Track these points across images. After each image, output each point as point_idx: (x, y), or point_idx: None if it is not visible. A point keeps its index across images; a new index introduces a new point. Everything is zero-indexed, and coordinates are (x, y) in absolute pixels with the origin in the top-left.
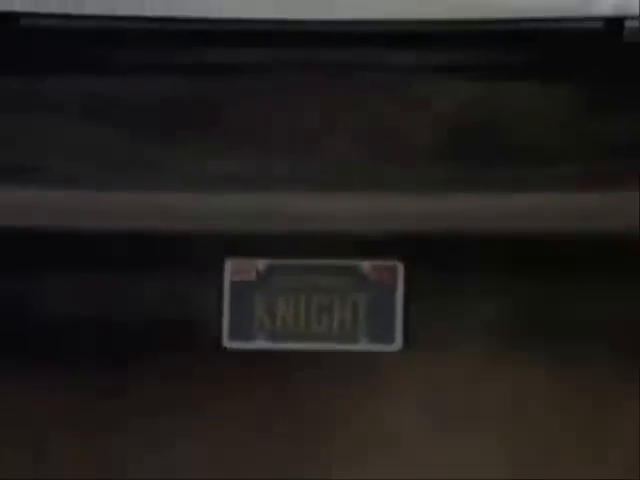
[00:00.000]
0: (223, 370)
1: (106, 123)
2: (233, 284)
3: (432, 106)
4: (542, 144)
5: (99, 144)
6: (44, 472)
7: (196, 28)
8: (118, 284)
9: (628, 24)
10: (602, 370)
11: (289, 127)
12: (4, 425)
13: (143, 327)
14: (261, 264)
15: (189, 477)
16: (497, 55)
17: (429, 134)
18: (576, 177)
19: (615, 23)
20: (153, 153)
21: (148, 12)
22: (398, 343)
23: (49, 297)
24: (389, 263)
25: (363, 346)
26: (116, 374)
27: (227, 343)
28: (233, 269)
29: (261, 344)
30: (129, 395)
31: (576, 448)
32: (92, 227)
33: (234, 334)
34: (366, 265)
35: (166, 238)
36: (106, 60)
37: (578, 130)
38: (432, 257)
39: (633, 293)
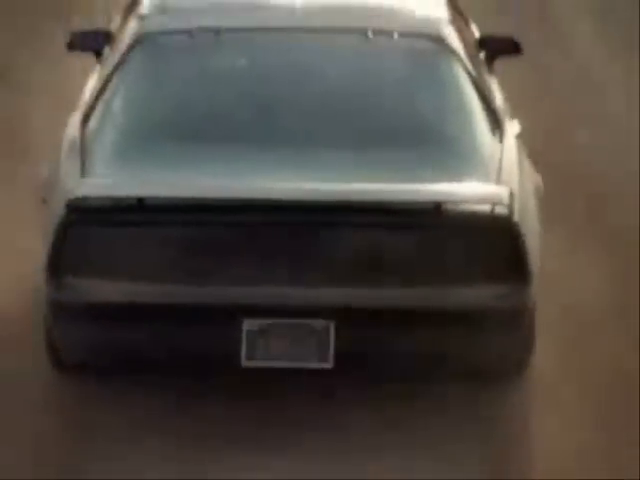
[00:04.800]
0: (243, 377)
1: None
2: (248, 332)
3: (340, 244)
4: (399, 265)
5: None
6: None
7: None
8: (186, 334)
9: (446, 207)
10: None
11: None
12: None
13: (202, 356)
14: (262, 322)
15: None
16: (376, 218)
17: (344, 260)
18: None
19: (439, 206)
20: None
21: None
22: (331, 362)
23: (151, 342)
24: (326, 322)
25: (312, 364)
26: (186, 383)
27: (244, 363)
28: (248, 325)
29: (262, 363)
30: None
31: None
32: (177, 302)
33: (249, 359)
34: (316, 322)
35: (215, 309)
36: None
37: (420, 258)
38: (350, 319)
39: None
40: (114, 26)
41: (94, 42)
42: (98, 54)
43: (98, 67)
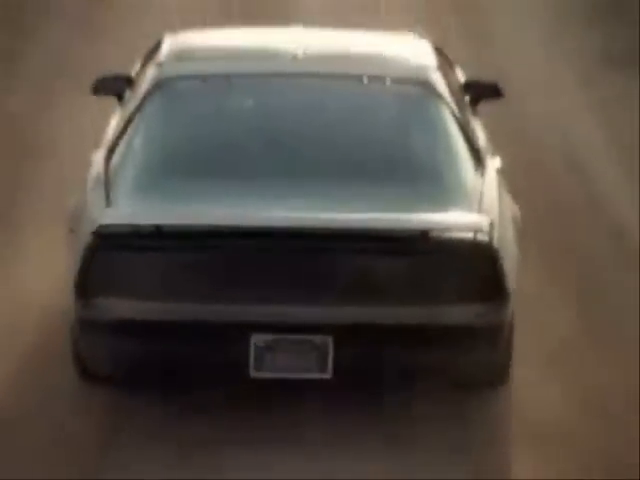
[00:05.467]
0: (251, 387)
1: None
2: (256, 346)
3: (338, 268)
4: (387, 285)
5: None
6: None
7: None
8: (201, 348)
9: (433, 234)
10: None
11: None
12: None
13: (215, 368)
14: (269, 337)
15: None
16: (371, 244)
17: (340, 282)
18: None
19: (426, 233)
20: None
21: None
22: (330, 373)
23: (169, 355)
24: (325, 337)
25: (313, 375)
26: (200, 391)
27: (253, 374)
28: (256, 340)
29: (269, 374)
30: (204, 396)
31: None
32: (192, 319)
33: (257, 370)
34: (316, 338)
35: (226, 326)
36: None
37: (410, 280)
38: (347, 335)
39: None
40: (134, 72)
41: (116, 86)
42: (120, 97)
43: (120, 109)
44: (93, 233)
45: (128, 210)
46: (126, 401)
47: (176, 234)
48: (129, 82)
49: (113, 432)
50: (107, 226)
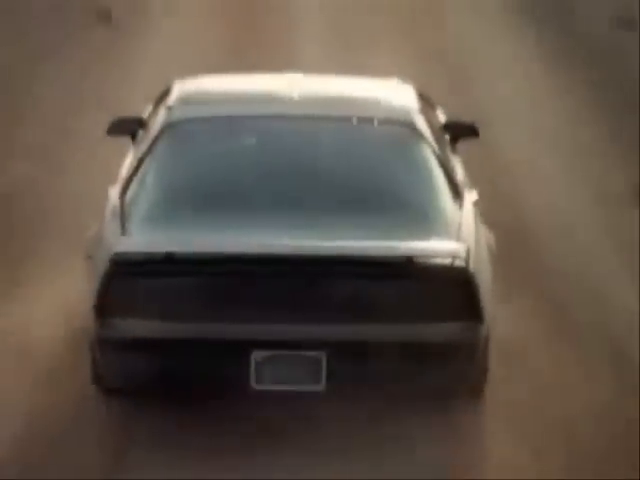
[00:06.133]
0: (252, 398)
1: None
2: (256, 362)
3: (331, 290)
4: (377, 301)
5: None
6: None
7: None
8: (207, 363)
9: (416, 260)
10: None
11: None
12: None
13: (220, 381)
14: (268, 353)
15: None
16: (360, 269)
17: (332, 303)
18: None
19: (410, 259)
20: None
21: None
22: (323, 385)
23: (178, 369)
24: (319, 352)
25: (307, 387)
26: (201, 403)
27: (254, 386)
28: (255, 356)
29: (268, 386)
30: (207, 409)
31: None
32: (199, 337)
33: (257, 382)
34: (310, 353)
35: (230, 343)
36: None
37: (395, 301)
38: (338, 350)
39: None
40: (146, 114)
41: (130, 127)
42: (133, 137)
43: (133, 148)
44: (110, 260)
45: (141, 239)
46: (138, 411)
47: (185, 260)
48: (141, 124)
49: (128, 440)
50: (122, 253)
